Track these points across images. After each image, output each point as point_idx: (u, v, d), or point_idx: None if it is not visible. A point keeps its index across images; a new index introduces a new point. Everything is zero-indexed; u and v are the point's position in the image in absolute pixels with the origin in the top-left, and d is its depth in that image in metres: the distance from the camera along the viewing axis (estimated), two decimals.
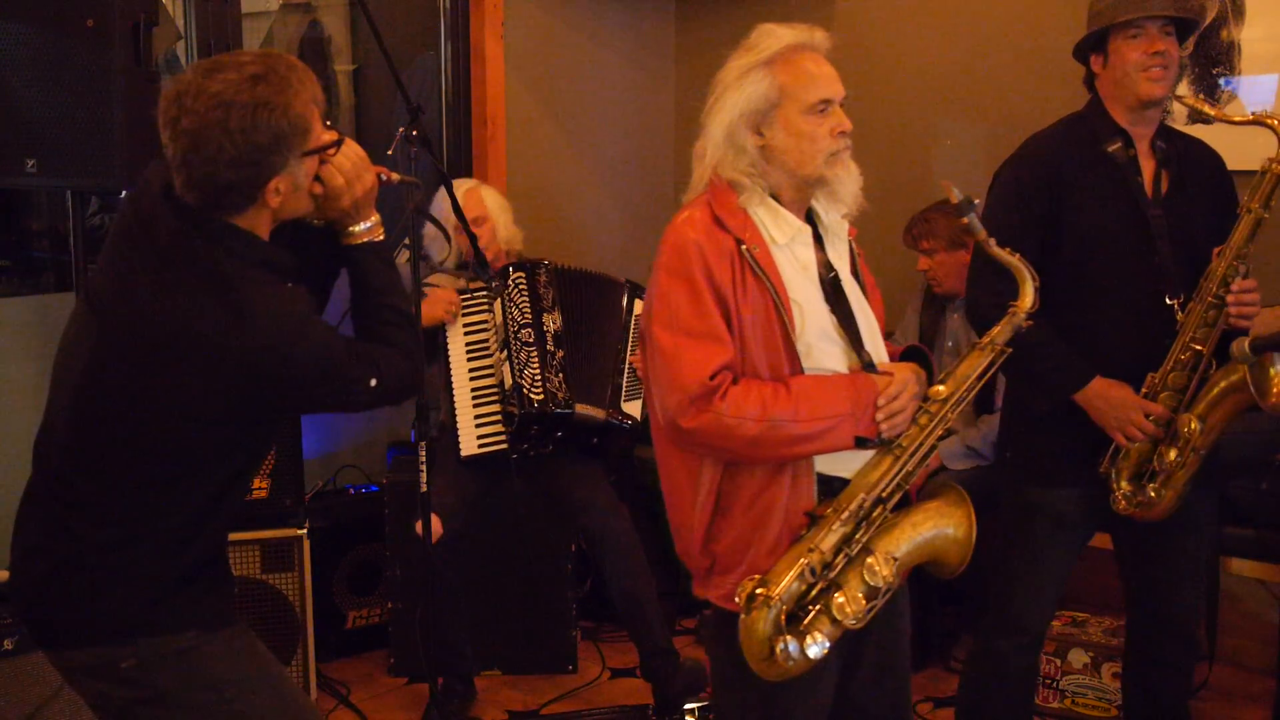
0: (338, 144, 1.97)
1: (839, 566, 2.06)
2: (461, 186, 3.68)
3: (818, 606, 2.04)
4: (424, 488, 3.28)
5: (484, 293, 3.65)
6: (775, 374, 2.07)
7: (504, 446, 3.56)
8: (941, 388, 2.16)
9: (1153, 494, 2.63)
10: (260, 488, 3.46)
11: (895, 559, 2.08)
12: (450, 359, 3.65)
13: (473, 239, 3.34)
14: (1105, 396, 2.62)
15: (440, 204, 3.54)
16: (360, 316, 2.07)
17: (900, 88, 4.38)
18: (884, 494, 2.10)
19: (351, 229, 2.05)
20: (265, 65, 1.86)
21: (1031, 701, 3.03)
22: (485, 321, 3.65)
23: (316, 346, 1.91)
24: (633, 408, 3.73)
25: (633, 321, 3.78)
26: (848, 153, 2.11)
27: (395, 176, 2.17)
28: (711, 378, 2.01)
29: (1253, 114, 2.65)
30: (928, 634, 3.73)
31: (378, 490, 3.95)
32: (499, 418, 3.59)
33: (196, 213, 1.89)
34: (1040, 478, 2.75)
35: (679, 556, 2.22)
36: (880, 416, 2.08)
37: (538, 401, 3.52)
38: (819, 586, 2.05)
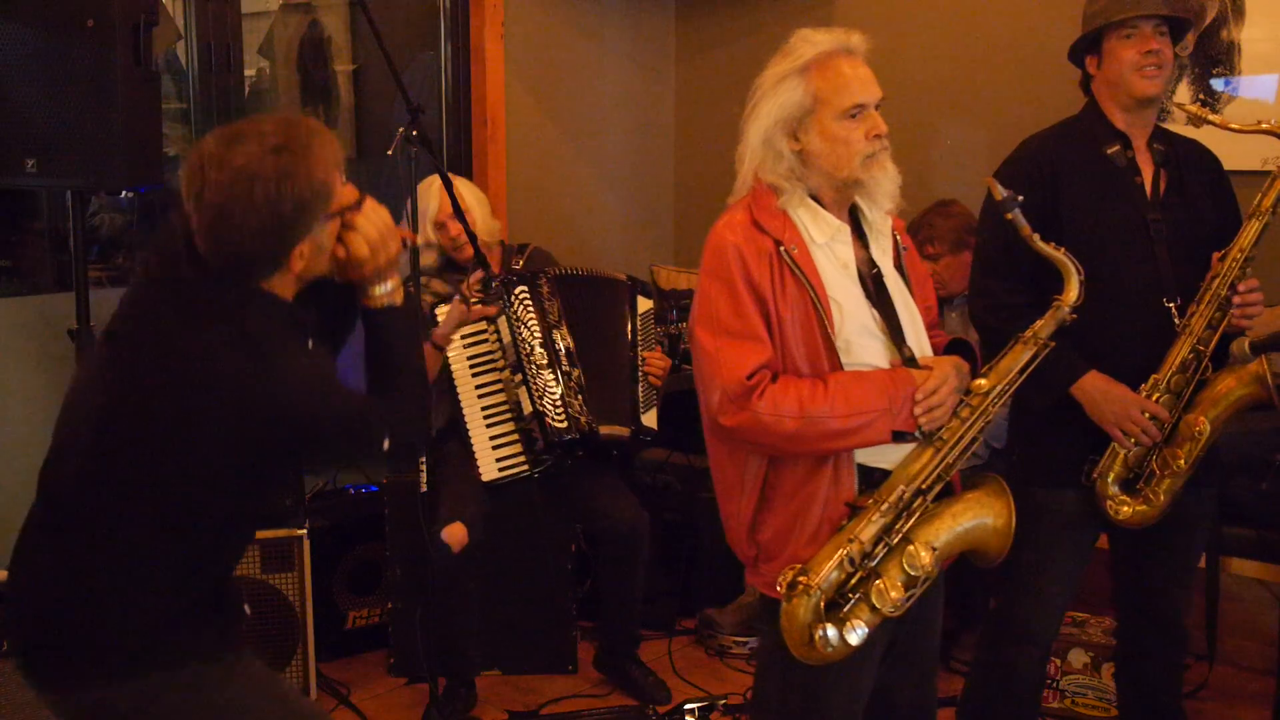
0: (359, 204, 1.99)
1: (879, 556, 2.12)
2: (432, 185, 3.55)
3: (857, 594, 2.10)
4: (424, 487, 3.28)
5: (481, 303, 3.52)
6: (815, 371, 2.13)
7: (525, 469, 3.51)
8: (983, 381, 2.21)
9: (1150, 498, 2.63)
10: None
11: (935, 548, 2.13)
12: (454, 376, 3.51)
13: (472, 238, 3.31)
14: (1103, 391, 2.62)
15: (422, 204, 3.50)
16: (375, 374, 2.08)
17: (900, 88, 4.35)
18: (924, 485, 2.14)
19: (373, 291, 2.06)
20: (287, 135, 1.87)
21: (1037, 711, 3.02)
22: (484, 332, 3.53)
23: (337, 407, 1.94)
24: (651, 419, 3.67)
25: (639, 323, 3.73)
26: (886, 154, 2.15)
27: (412, 239, 2.18)
28: (749, 377, 2.08)
29: (1258, 122, 2.65)
30: None
31: (378, 490, 3.95)
32: (516, 437, 3.51)
33: (220, 277, 1.91)
34: (1046, 478, 2.75)
35: (730, 545, 2.28)
36: (918, 411, 2.12)
37: (563, 430, 3.45)
38: (859, 575, 2.11)
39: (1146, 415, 2.60)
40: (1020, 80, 4.11)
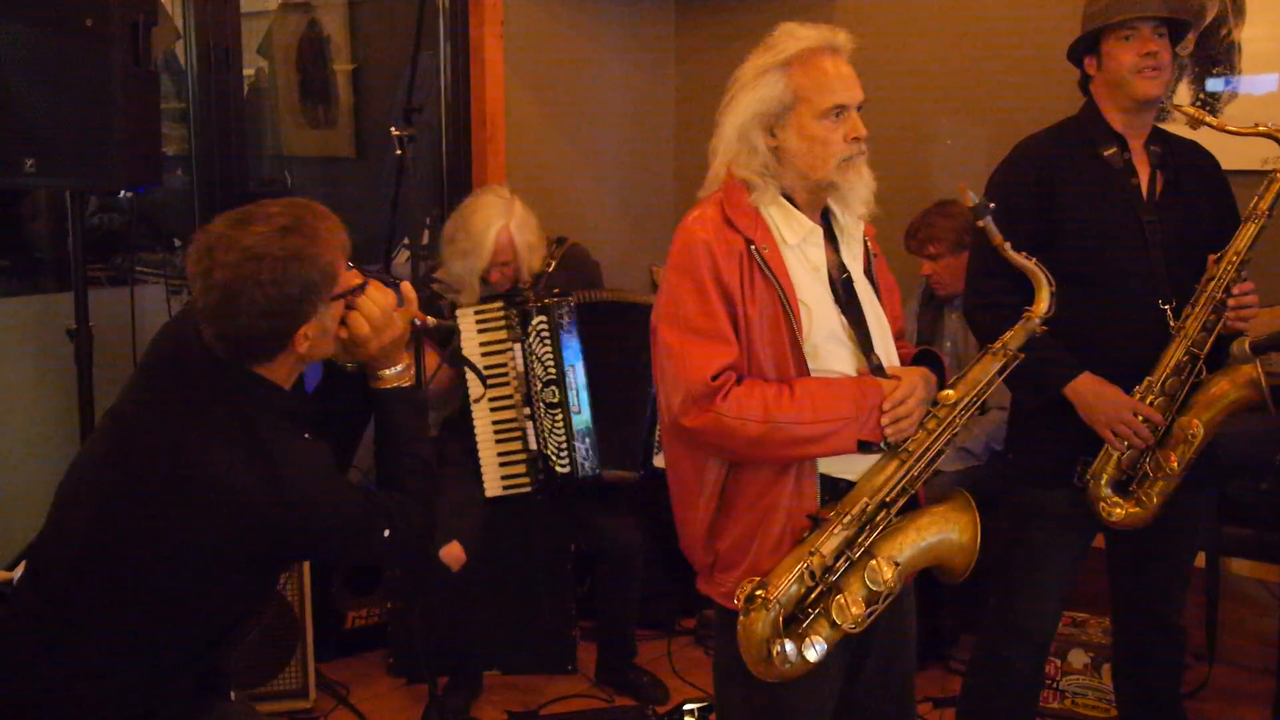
0: (362, 287, 2.00)
1: (840, 570, 2.06)
2: (491, 226, 3.40)
3: (817, 609, 2.05)
4: None
5: (500, 312, 3.45)
6: (781, 374, 2.07)
7: (528, 490, 3.47)
8: (951, 392, 2.15)
9: (1143, 500, 2.63)
10: None
11: (898, 564, 2.08)
12: (469, 383, 3.45)
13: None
14: (1096, 392, 2.62)
15: (473, 240, 3.39)
16: (382, 461, 2.10)
17: (900, 88, 4.37)
18: (888, 498, 2.09)
19: (381, 373, 2.08)
20: (294, 216, 1.91)
21: (1035, 709, 3.03)
22: (504, 341, 3.45)
23: (337, 503, 1.95)
24: (663, 460, 3.63)
25: None
26: (862, 158, 2.10)
27: (432, 321, 2.22)
28: (714, 378, 2.02)
29: (1255, 124, 2.65)
30: (928, 634, 3.73)
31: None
32: (523, 457, 3.46)
33: (224, 361, 1.92)
34: (1041, 478, 2.75)
35: (683, 551, 2.22)
36: (885, 421, 2.07)
37: (564, 474, 3.43)
38: (819, 590, 2.05)
39: (1139, 418, 2.60)
40: (1020, 80, 4.11)
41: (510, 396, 3.46)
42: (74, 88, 2.87)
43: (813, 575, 2.04)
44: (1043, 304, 2.21)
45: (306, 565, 3.48)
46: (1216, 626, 3.58)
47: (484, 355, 3.45)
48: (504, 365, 3.45)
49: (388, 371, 2.08)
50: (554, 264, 3.62)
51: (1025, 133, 2.84)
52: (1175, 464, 2.60)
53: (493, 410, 3.45)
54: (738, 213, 2.09)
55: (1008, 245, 2.23)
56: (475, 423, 3.45)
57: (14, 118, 2.88)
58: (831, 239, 2.17)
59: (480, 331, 3.47)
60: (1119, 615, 2.96)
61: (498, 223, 3.42)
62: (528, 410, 3.43)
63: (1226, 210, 2.73)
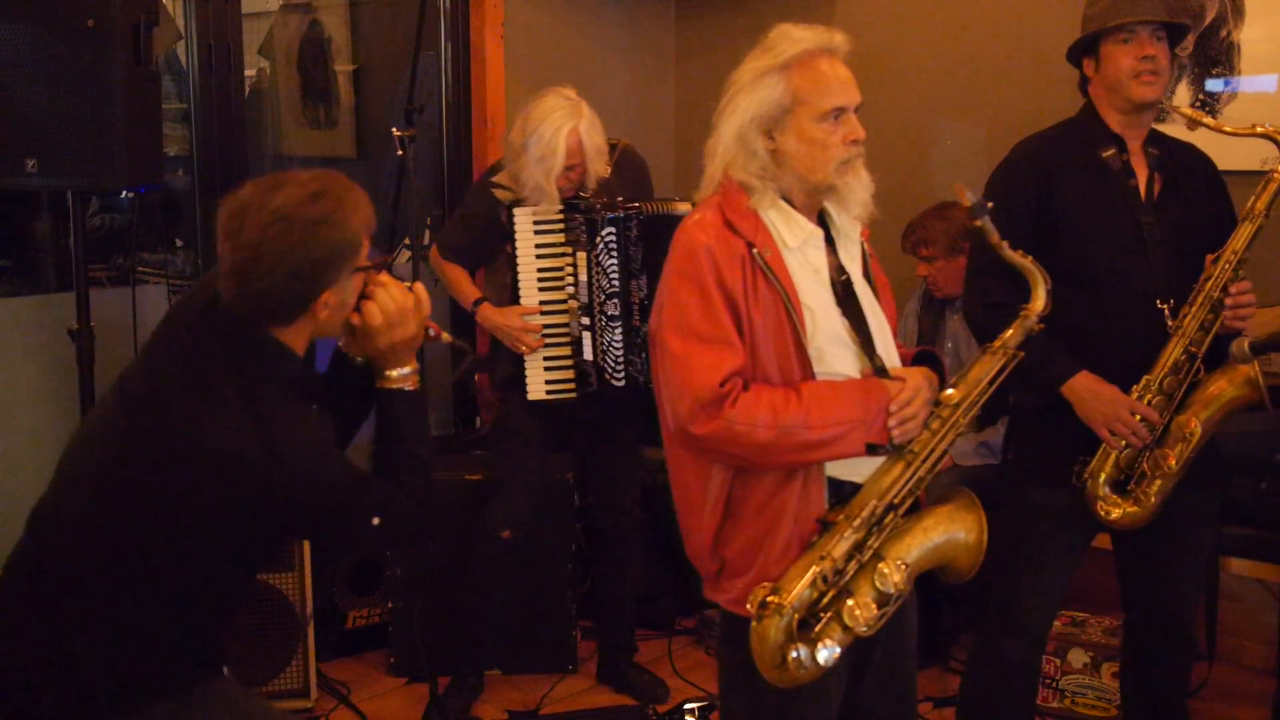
0: (383, 265, 2.05)
1: (850, 573, 2.06)
2: (562, 129, 3.26)
3: (829, 613, 2.04)
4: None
5: (561, 217, 3.34)
6: (786, 378, 2.06)
7: (572, 396, 3.41)
8: (953, 392, 2.15)
9: (1141, 499, 2.63)
10: None
11: (907, 565, 2.07)
12: (520, 286, 3.37)
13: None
14: (1093, 391, 2.62)
15: (545, 145, 3.27)
16: (380, 456, 2.10)
17: (900, 89, 4.38)
18: (896, 500, 2.09)
19: (387, 372, 2.09)
20: (324, 183, 1.94)
21: (1033, 702, 3.03)
22: (562, 245, 3.36)
23: (331, 481, 1.95)
24: None
25: None
26: (860, 161, 2.09)
27: (446, 337, 2.23)
28: (722, 384, 2.01)
29: (1253, 126, 2.65)
30: (928, 633, 3.73)
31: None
32: (570, 363, 3.39)
33: (242, 322, 1.94)
34: (1041, 477, 2.76)
35: (689, 558, 2.21)
36: (892, 423, 2.06)
37: (620, 387, 3.37)
38: (830, 593, 2.05)
39: (1136, 417, 2.60)
40: (1020, 80, 4.11)
41: (564, 302, 3.39)
42: (75, 88, 2.87)
43: (824, 579, 2.03)
44: (1039, 301, 2.21)
45: (307, 565, 3.49)
46: (1216, 626, 3.59)
47: (540, 258, 3.38)
48: (559, 270, 3.38)
49: (394, 372, 2.08)
50: (610, 169, 3.50)
51: (1025, 133, 2.85)
52: (1173, 463, 2.61)
53: (544, 315, 3.39)
54: (738, 216, 2.08)
55: (1005, 244, 2.23)
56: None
57: (15, 118, 2.89)
58: (829, 241, 2.17)
59: (538, 233, 3.38)
60: (1129, 619, 2.96)
61: (567, 125, 3.30)
62: (586, 320, 3.36)
63: (1224, 211, 2.74)
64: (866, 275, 2.23)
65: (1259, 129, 2.62)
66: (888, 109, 4.36)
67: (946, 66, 4.33)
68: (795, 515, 2.07)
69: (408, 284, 2.07)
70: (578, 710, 3.58)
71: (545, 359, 3.40)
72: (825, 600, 2.05)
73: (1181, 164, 2.74)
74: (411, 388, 2.10)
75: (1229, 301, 2.59)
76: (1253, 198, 2.62)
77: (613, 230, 3.32)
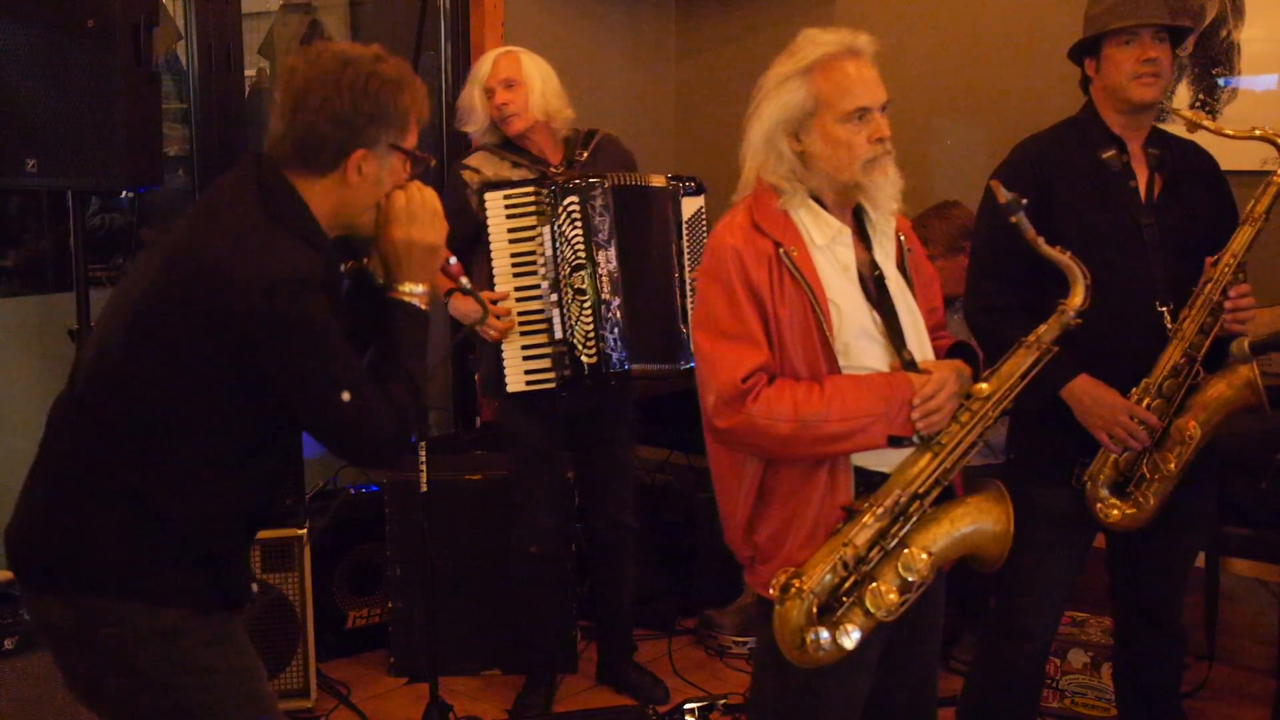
0: (425, 161, 2.04)
1: (874, 560, 2.11)
2: (502, 48, 3.41)
3: (851, 599, 2.10)
4: (424, 487, 3.28)
5: (531, 195, 3.28)
6: (813, 373, 2.12)
7: (551, 386, 3.31)
8: (984, 385, 2.19)
9: (1140, 501, 2.64)
10: None
11: (931, 553, 2.12)
12: (494, 273, 3.30)
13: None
14: (1093, 395, 2.62)
15: (478, 69, 3.34)
16: (372, 362, 2.06)
17: (901, 88, 4.35)
18: (921, 490, 2.13)
19: (399, 285, 2.07)
20: (388, 56, 1.99)
21: (1035, 707, 3.03)
22: (534, 228, 3.29)
23: (317, 335, 1.90)
24: None
25: (684, 230, 3.43)
26: (888, 158, 2.14)
27: (467, 283, 2.27)
28: (745, 380, 2.08)
29: (1253, 128, 2.65)
30: None
31: (378, 490, 3.95)
32: (548, 350, 3.30)
33: (273, 164, 1.96)
34: (1043, 478, 2.75)
35: (727, 544, 2.28)
36: (916, 415, 2.11)
37: (591, 365, 3.27)
38: (853, 579, 2.10)
39: (1135, 420, 2.60)
40: (1020, 80, 4.11)
41: (537, 286, 3.30)
42: (75, 88, 2.88)
43: (846, 565, 2.09)
44: (1078, 297, 2.23)
45: (307, 565, 3.49)
46: (1216, 626, 3.59)
47: (512, 242, 3.31)
48: (532, 254, 3.30)
49: (406, 286, 2.06)
50: (586, 155, 3.46)
51: (1025, 134, 2.85)
52: (1173, 465, 2.61)
53: (519, 300, 3.30)
54: (766, 217, 2.15)
55: (1041, 240, 2.25)
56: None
57: (15, 118, 2.89)
58: (864, 237, 2.22)
59: (509, 217, 3.31)
60: (1119, 615, 2.97)
61: (505, 48, 3.42)
62: (555, 297, 3.29)
63: (1225, 211, 2.74)
64: (903, 269, 2.27)
65: (1258, 132, 2.62)
66: (887, 109, 4.36)
67: (946, 66, 4.33)
68: (821, 503, 2.14)
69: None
70: (578, 710, 3.59)
71: (523, 348, 3.32)
72: (847, 585, 2.10)
73: (1183, 164, 2.74)
74: (420, 306, 2.08)
75: (1228, 305, 2.59)
76: (1252, 201, 2.62)
77: (574, 199, 3.26)
